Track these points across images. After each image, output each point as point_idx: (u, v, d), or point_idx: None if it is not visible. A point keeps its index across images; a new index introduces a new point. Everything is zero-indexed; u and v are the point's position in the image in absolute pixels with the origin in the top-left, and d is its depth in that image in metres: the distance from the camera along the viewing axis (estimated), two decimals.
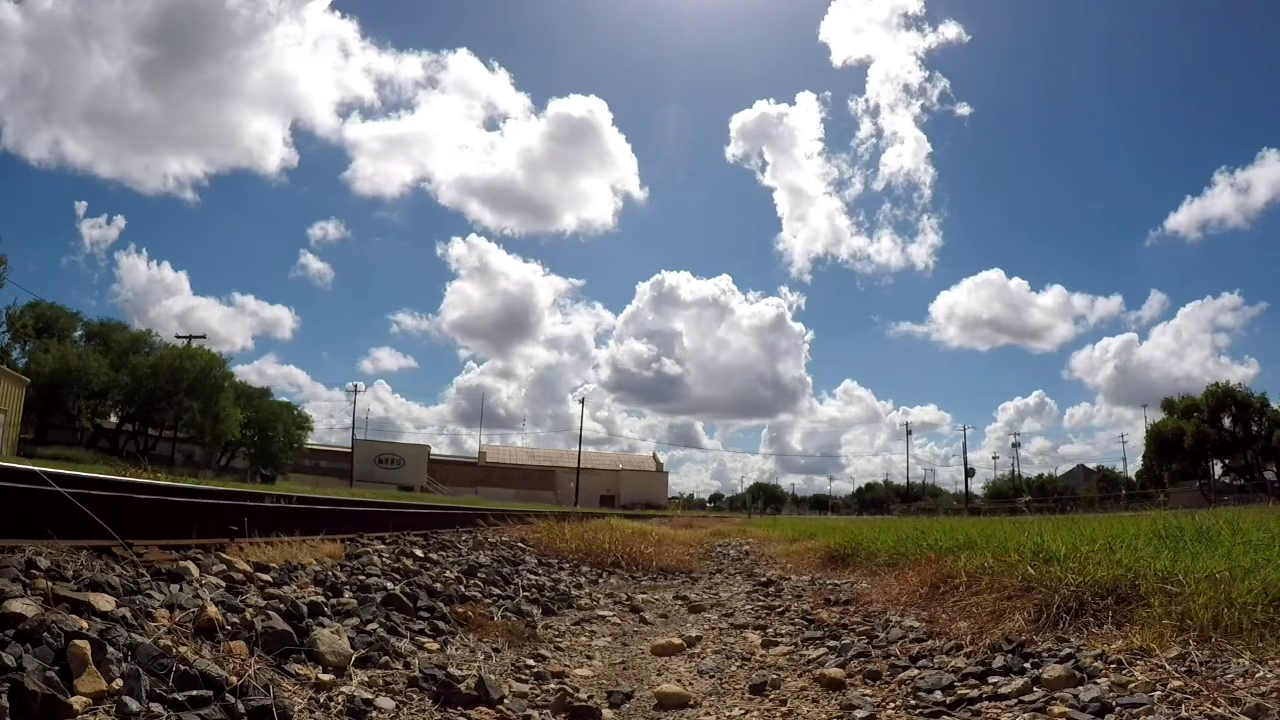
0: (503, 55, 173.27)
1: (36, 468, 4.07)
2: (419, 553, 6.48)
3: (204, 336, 52.57)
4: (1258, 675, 2.53)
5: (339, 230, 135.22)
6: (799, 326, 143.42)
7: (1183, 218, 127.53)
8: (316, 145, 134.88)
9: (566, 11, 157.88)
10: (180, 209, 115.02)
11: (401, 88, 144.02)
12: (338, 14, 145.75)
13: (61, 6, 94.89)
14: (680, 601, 6.75)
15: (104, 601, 2.63)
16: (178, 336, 52.02)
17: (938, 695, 3.07)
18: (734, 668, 4.09)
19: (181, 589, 3.23)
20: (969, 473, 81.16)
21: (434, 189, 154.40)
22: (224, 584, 3.56)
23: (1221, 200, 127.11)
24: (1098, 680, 2.78)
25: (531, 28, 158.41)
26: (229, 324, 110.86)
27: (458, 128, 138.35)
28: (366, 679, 3.05)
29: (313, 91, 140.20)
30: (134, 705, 2.12)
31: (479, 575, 6.33)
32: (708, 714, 3.26)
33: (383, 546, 6.29)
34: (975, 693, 3.00)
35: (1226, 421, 58.54)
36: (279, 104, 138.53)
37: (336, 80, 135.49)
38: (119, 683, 2.19)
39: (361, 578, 4.65)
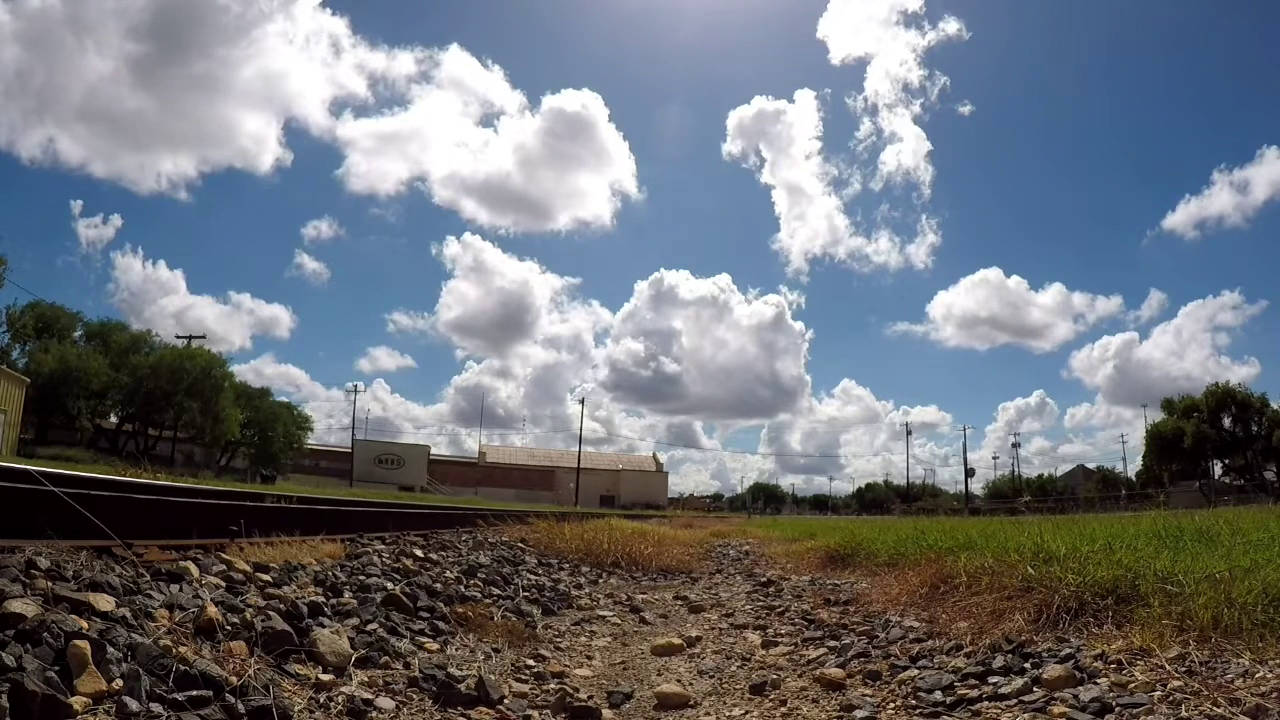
0: (497, 51, 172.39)
1: (31, 467, 4.06)
2: (419, 553, 6.48)
3: (203, 336, 52.76)
4: (1258, 675, 2.53)
5: (333, 229, 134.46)
6: (798, 325, 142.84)
7: (1181, 216, 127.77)
8: (309, 143, 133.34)
9: (561, 7, 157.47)
10: (175, 208, 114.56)
11: (394, 84, 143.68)
12: (328, 11, 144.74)
13: (53, 3, 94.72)
14: (680, 602, 6.75)
15: (104, 602, 2.63)
16: (178, 337, 52.14)
17: (938, 695, 3.07)
18: (734, 668, 4.09)
19: (181, 589, 3.23)
20: (969, 473, 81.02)
21: (428, 187, 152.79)
22: (224, 584, 3.56)
23: (1221, 199, 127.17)
24: (1098, 680, 2.78)
25: (526, 23, 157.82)
26: (226, 323, 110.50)
27: (452, 125, 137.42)
28: (366, 679, 3.05)
29: (305, 89, 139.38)
30: (134, 705, 2.12)
31: (479, 575, 6.32)
32: (708, 714, 3.26)
33: (383, 547, 6.29)
34: (975, 693, 3.00)
35: (1226, 421, 58.51)
36: (271, 101, 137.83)
37: (329, 77, 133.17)
38: (119, 683, 2.19)
39: (361, 578, 4.65)
